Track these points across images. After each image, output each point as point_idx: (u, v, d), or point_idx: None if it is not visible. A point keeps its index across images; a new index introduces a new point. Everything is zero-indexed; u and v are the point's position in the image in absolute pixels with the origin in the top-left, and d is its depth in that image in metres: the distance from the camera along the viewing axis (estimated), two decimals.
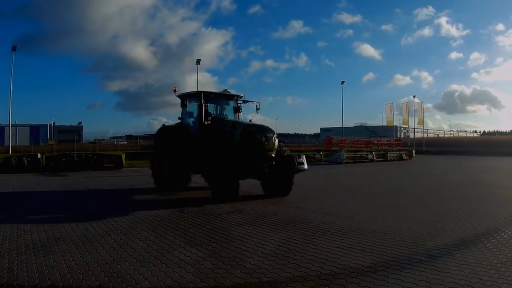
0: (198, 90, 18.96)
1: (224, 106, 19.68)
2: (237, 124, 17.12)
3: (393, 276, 7.08)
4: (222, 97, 19.39)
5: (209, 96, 18.42)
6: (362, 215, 12.92)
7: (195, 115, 18.87)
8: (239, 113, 19.59)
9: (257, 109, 19.74)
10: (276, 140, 16.47)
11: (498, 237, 9.99)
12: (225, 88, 19.90)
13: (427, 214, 12.93)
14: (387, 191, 19.58)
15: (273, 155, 16.15)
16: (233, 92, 19.74)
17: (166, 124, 20.89)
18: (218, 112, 19.31)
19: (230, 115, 19.54)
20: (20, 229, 11.34)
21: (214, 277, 7.19)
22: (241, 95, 19.55)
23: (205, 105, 17.88)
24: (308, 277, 7.16)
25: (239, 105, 19.64)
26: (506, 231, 10.59)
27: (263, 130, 16.30)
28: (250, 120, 19.32)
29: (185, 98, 18.54)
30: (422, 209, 13.90)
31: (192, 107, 18.90)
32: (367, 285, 6.65)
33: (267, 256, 8.50)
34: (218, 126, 17.52)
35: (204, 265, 7.92)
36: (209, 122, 17.88)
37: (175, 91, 19.01)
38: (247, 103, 19.76)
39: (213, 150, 16.46)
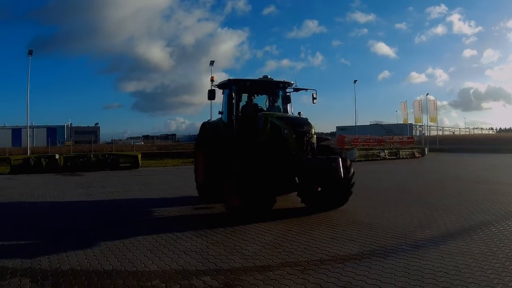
0: (229, 78, 15.21)
1: (271, 97, 15.87)
2: (269, 117, 13.46)
3: (375, 263, 7.69)
4: (264, 86, 15.93)
5: (243, 85, 15.15)
6: (360, 210, 13.46)
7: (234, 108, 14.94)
8: (289, 104, 15.79)
9: (314, 98, 15.75)
10: (314, 138, 13.02)
11: (487, 230, 10.38)
12: (265, 74, 16.02)
13: (423, 209, 13.41)
14: (390, 187, 20.25)
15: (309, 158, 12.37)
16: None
17: (208, 121, 17.01)
18: (269, 104, 15.87)
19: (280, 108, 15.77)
20: (42, 221, 12.45)
21: (215, 262, 7.95)
22: (291, 82, 15.60)
23: (237, 96, 14.76)
24: (298, 262, 7.85)
25: (288, 94, 15.89)
26: (497, 225, 10.96)
27: (295, 124, 12.87)
28: (299, 113, 15.44)
29: (221, 89, 15.93)
30: (420, 204, 14.35)
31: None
32: (350, 270, 7.28)
33: (265, 245, 9.22)
34: (245, 121, 14.39)
35: (207, 252, 8.69)
36: (238, 116, 14.58)
37: (212, 80, 16.42)
38: (299, 91, 15.84)
39: (231, 153, 13.10)
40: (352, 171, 13.50)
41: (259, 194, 11.93)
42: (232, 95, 14.77)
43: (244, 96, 15.56)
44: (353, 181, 13.46)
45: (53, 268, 7.75)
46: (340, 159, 12.32)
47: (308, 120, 13.21)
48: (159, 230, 10.95)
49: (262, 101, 16.18)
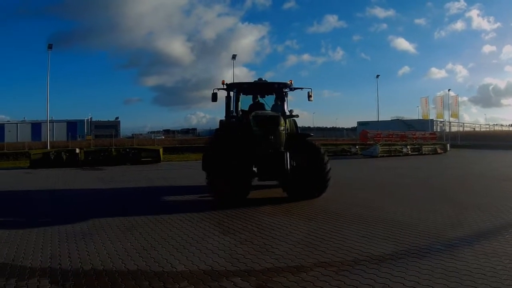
0: (227, 82, 17.17)
1: (272, 97, 17.68)
2: (250, 115, 15.10)
3: (411, 263, 7.41)
4: (261, 87, 17.57)
5: (241, 88, 17.19)
6: (390, 207, 13.19)
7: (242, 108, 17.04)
8: (284, 103, 16.96)
9: (309, 96, 17.05)
10: (282, 134, 14.46)
11: None
12: (260, 77, 17.86)
13: (452, 207, 13.10)
14: (416, 184, 19.84)
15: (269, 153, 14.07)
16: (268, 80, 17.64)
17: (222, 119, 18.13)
18: (274, 103, 17.54)
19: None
20: (62, 219, 12.11)
21: (245, 262, 7.70)
22: (286, 83, 16.92)
23: (236, 98, 16.71)
24: (332, 263, 7.58)
25: (285, 92, 17.11)
26: None
27: (263, 122, 14.51)
28: (291, 111, 16.87)
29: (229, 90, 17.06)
30: (448, 202, 14.05)
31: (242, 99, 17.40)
32: (386, 271, 7.02)
33: (295, 243, 8.95)
34: (242, 120, 15.85)
35: (236, 251, 8.45)
36: (237, 115, 16.38)
37: (223, 84, 16.99)
38: (295, 90, 17.27)
39: (228, 148, 14.46)
40: (328, 167, 14.70)
41: (241, 183, 13.98)
42: (230, 97, 16.76)
43: (249, 98, 17.65)
44: (329, 176, 14.70)
45: (74, 268, 7.54)
46: (286, 154, 13.93)
47: (279, 119, 14.54)
48: (185, 227, 10.79)
49: (271, 100, 17.78)
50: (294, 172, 14.14)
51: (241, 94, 17.20)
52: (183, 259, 7.99)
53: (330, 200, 14.56)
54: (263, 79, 17.58)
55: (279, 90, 17.11)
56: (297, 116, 17.09)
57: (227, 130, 16.32)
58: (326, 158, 14.87)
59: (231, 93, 16.96)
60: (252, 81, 18.00)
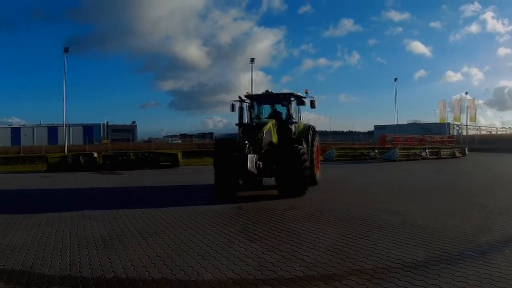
0: (239, 95, 19.93)
1: (281, 107, 20.01)
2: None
3: (445, 270, 7.22)
4: (269, 98, 20.37)
5: (252, 99, 20.16)
6: (416, 212, 12.97)
7: (261, 116, 20.25)
8: (290, 111, 19.34)
9: (311, 104, 19.41)
10: (261, 140, 16.29)
11: None
12: (267, 89, 20.60)
13: (478, 211, 12.94)
14: (440, 188, 19.54)
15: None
16: (280, 91, 20.59)
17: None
18: (286, 112, 19.74)
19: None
20: (81, 224, 11.99)
21: (274, 270, 7.47)
22: (292, 93, 19.68)
23: (249, 108, 19.63)
24: (364, 270, 7.36)
25: (291, 100, 19.67)
26: None
27: (244, 130, 17.18)
28: (291, 118, 19.34)
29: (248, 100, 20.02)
30: (474, 206, 13.89)
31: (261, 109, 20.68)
32: (420, 279, 6.81)
33: (325, 250, 8.73)
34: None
35: (264, 258, 8.22)
36: (249, 122, 18.80)
37: (247, 95, 19.58)
38: (307, 98, 19.77)
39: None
40: (306, 165, 16.78)
41: (226, 181, 16.47)
42: (242, 107, 19.33)
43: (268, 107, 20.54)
44: (305, 173, 16.68)
45: (96, 276, 7.35)
46: (248, 157, 15.27)
47: (260, 127, 16.83)
48: (209, 233, 10.57)
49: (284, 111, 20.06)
50: (280, 172, 16.39)
51: (255, 104, 20.15)
52: (209, 267, 7.78)
53: (354, 205, 14.53)
54: (270, 90, 20.34)
55: (285, 99, 19.73)
56: (296, 122, 19.49)
57: (228, 136, 18.46)
58: (304, 158, 16.70)
59: (244, 104, 19.72)
60: (260, 92, 20.88)
